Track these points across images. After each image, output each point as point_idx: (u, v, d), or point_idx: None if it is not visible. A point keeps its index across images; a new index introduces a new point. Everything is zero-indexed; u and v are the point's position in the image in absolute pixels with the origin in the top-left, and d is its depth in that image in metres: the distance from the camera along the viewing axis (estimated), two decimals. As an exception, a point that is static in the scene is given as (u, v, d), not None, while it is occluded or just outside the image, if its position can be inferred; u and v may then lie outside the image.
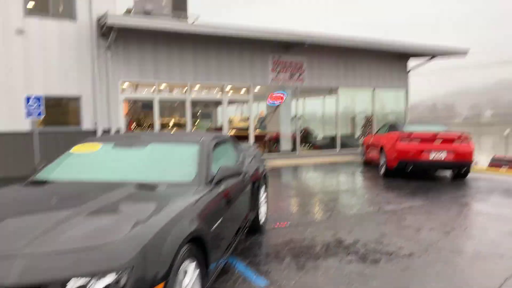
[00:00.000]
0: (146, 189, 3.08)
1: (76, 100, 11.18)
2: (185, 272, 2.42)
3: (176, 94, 12.70)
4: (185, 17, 14.00)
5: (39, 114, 8.30)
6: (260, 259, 4.20)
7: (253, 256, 4.29)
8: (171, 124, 16.19)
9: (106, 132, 11.43)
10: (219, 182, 3.48)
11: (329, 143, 16.06)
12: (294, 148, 14.93)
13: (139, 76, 11.93)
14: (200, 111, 19.31)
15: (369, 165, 12.21)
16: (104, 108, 11.44)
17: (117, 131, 11.50)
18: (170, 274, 2.15)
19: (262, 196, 5.47)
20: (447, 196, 7.44)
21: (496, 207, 6.59)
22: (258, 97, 14.80)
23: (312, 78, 14.92)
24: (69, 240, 2.07)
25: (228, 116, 15.81)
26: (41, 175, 3.59)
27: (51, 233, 2.15)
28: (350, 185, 9.03)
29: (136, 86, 12.08)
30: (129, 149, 3.81)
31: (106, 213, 2.57)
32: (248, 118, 17.07)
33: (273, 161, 13.61)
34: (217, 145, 4.23)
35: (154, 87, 12.19)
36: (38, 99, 8.28)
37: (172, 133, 4.66)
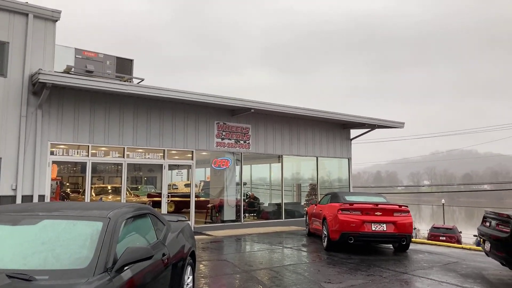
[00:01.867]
0: (20, 281, 2.43)
1: (-5, 161, 10.09)
2: None
3: (112, 158, 11.94)
4: (129, 79, 13.72)
5: None
6: None
7: None
8: (109, 189, 15.13)
9: (27, 197, 10.29)
10: (123, 267, 2.91)
11: (275, 211, 15.68)
12: (238, 217, 14.34)
13: (72, 138, 11.15)
14: (142, 175, 18.39)
15: (313, 235, 11.84)
16: (28, 172, 10.39)
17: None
18: None
19: (188, 278, 4.83)
20: (388, 273, 7.13)
21: (436, 286, 6.34)
22: (203, 162, 14.37)
23: (258, 144, 14.86)
24: None
25: (169, 181, 15.14)
26: None
27: None
28: (292, 259, 8.52)
29: (67, 148, 11.23)
30: (16, 227, 3.14)
31: None
32: (196, 184, 16.44)
33: (216, 232, 12.88)
34: (132, 220, 3.68)
35: (88, 150, 11.40)
36: None
37: (79, 204, 4.04)
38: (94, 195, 14.53)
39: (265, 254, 8.98)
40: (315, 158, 16.61)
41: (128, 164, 12.45)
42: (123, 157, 12.03)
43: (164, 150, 12.77)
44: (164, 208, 12.79)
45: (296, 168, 17.36)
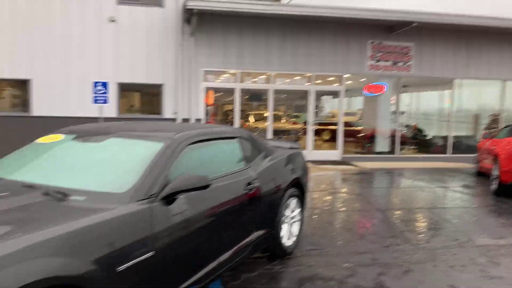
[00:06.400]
0: (51, 200, 2.33)
1: (158, 88, 11.25)
2: None
3: (259, 84, 11.94)
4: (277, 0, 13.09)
5: (105, 101, 8.36)
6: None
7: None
8: (264, 116, 15.55)
9: (185, 121, 11.30)
10: (173, 196, 2.55)
11: (440, 145, 13.54)
12: (393, 149, 12.92)
13: (222, 64, 11.47)
14: (305, 104, 18.35)
15: (482, 175, 9.73)
16: (185, 98, 11.29)
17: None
18: None
19: (294, 211, 4.35)
20: None
21: None
22: (355, 91, 13.15)
23: (422, 66, 12.62)
24: None
25: (330, 109, 14.73)
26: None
27: None
28: (443, 201, 7.11)
29: (218, 75, 11.68)
30: (85, 144, 3.13)
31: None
32: (356, 112, 15.53)
33: (365, 163, 11.94)
34: (207, 144, 3.26)
35: (236, 76, 11.62)
36: (104, 85, 8.34)
37: (160, 125, 3.86)
38: (254, 120, 15.15)
39: (410, 192, 7.76)
40: (502, 81, 13.28)
41: (280, 91, 12.35)
42: (269, 83, 11.88)
43: (310, 75, 12.07)
44: (310, 136, 12.41)
45: (474, 94, 14.30)
